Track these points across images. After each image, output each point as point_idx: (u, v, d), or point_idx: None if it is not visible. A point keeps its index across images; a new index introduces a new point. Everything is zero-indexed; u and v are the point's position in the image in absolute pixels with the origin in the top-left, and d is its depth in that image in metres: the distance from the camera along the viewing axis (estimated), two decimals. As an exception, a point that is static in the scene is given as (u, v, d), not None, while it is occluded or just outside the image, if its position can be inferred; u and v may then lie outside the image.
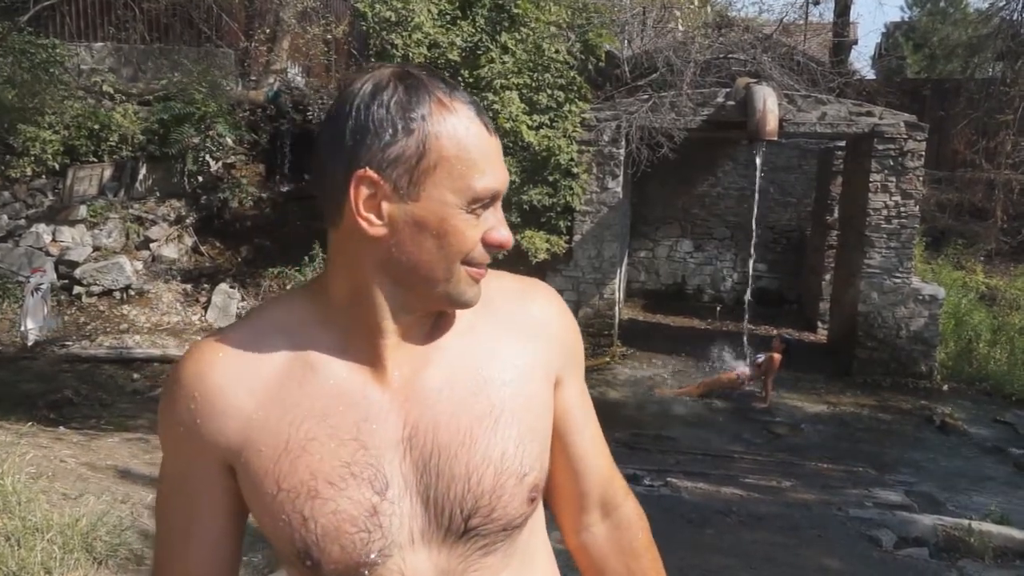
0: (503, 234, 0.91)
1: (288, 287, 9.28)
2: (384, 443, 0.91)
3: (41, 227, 9.69)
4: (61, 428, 5.84)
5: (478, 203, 0.88)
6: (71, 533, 3.06)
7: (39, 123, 9.49)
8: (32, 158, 9.58)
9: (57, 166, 9.80)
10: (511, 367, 0.97)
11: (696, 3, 9.40)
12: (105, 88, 10.37)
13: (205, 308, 9.50)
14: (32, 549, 2.91)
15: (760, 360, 8.33)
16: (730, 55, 10.03)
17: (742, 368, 8.60)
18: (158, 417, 0.97)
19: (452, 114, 0.87)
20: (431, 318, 0.96)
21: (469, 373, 0.95)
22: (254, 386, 0.91)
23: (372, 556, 0.89)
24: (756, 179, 9.32)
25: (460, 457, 0.91)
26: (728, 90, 8.94)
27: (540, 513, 1.04)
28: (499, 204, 0.91)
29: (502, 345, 0.98)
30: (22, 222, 9.87)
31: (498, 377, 0.95)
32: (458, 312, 0.97)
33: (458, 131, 0.87)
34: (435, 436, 0.91)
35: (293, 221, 10.52)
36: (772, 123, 8.31)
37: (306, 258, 8.84)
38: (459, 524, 0.91)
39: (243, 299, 9.60)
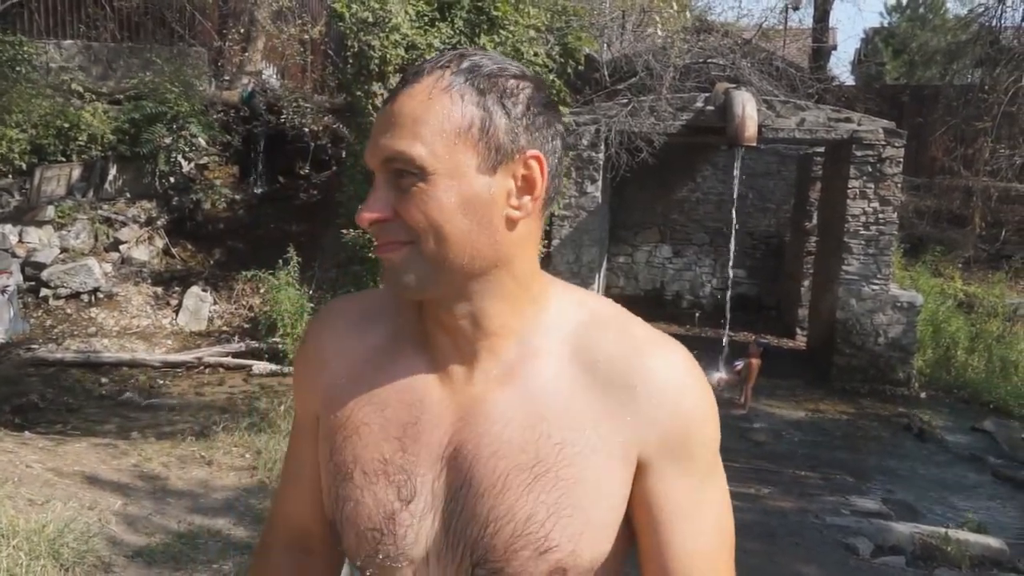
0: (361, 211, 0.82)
1: (261, 291, 9.12)
2: (424, 453, 0.87)
3: (7, 228, 9.45)
4: (26, 433, 5.71)
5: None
6: (37, 539, 3.04)
7: (5, 121, 9.28)
8: (-2, 157, 9.38)
9: (24, 165, 9.61)
10: (578, 429, 0.84)
11: (675, 7, 9.36)
12: (74, 86, 10.17)
13: (176, 311, 9.33)
14: (-5, 557, 2.84)
15: (739, 367, 8.30)
16: (709, 60, 10.04)
17: (721, 374, 8.57)
18: None
19: None
20: (480, 325, 0.86)
21: (531, 417, 0.84)
22: (351, 355, 0.93)
23: (380, 558, 0.87)
24: (735, 185, 9.30)
25: (486, 500, 0.84)
26: (707, 95, 8.94)
27: None
28: (382, 178, 0.83)
29: (583, 403, 0.85)
30: (-13, 223, 9.66)
31: (558, 434, 0.84)
32: (555, 347, 0.87)
33: None
34: (471, 467, 0.85)
35: (267, 223, 10.41)
36: (751, 129, 8.31)
37: (280, 261, 8.67)
38: (467, 567, 0.84)
39: (215, 302, 9.44)
